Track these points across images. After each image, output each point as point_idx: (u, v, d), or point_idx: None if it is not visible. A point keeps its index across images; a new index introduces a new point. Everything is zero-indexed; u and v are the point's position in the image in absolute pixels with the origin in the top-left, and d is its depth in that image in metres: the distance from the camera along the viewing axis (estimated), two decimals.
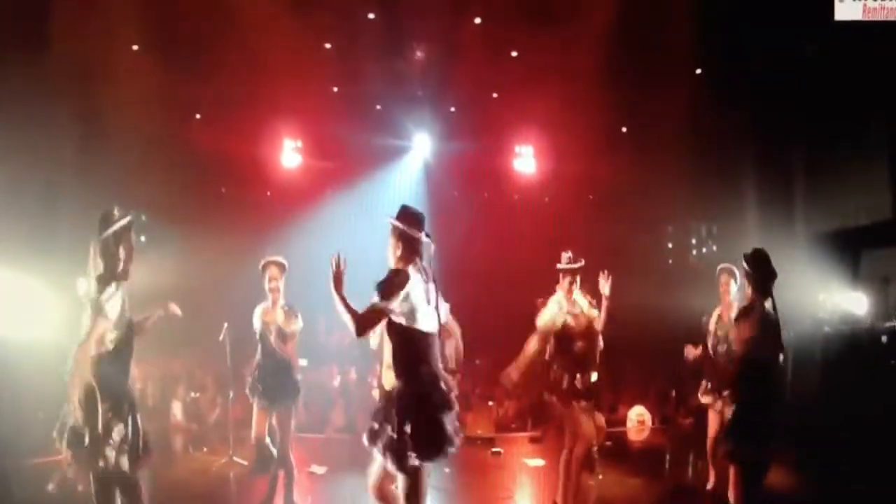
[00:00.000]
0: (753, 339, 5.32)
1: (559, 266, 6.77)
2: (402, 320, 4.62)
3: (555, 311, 6.63)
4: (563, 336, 6.64)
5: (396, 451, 4.47)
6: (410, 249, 4.75)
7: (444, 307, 4.89)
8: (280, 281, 7.00)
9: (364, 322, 4.54)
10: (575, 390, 6.57)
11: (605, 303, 6.86)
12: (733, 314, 6.74)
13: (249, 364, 7.28)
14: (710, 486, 7.55)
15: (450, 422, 4.62)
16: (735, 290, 7.27)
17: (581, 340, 6.66)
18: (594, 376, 8.30)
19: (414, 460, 4.46)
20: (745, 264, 5.58)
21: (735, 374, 5.59)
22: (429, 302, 4.69)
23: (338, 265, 4.60)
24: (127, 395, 5.00)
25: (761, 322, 5.35)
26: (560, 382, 6.59)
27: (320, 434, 11.14)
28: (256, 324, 7.05)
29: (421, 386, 4.61)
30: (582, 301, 6.77)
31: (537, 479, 8.73)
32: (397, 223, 4.78)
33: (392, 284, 4.57)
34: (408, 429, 4.48)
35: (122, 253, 4.90)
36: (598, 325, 6.88)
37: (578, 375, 6.59)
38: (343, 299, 4.56)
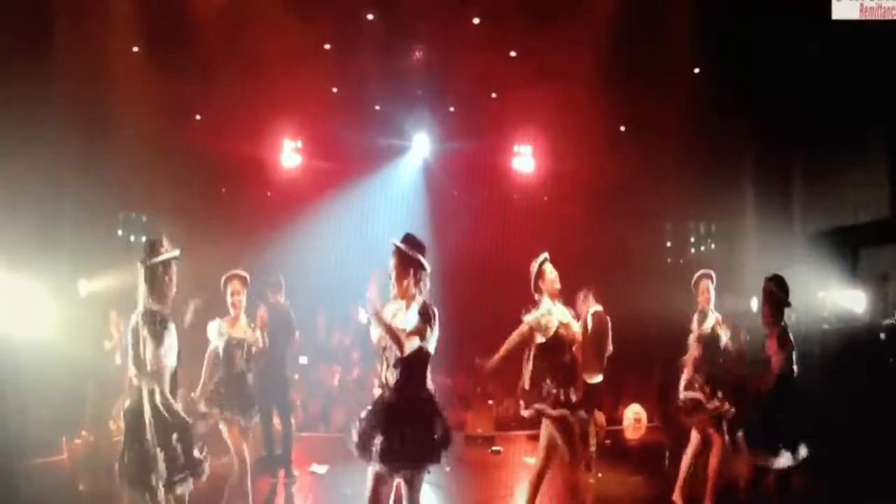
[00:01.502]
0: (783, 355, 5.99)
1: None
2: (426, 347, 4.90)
3: (547, 312, 6.37)
4: (554, 344, 6.35)
5: (394, 457, 4.72)
6: (420, 279, 5.02)
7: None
8: (242, 295, 6.89)
9: (408, 354, 4.81)
10: (567, 401, 6.32)
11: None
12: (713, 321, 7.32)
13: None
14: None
15: (441, 430, 4.86)
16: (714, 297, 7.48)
17: (569, 352, 6.41)
18: (598, 378, 8.35)
19: (410, 466, 4.76)
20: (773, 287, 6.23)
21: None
22: None
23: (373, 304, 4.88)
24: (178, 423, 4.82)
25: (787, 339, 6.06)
26: (542, 391, 6.36)
27: (321, 433, 11.19)
28: (216, 338, 6.87)
29: (421, 398, 4.93)
30: (566, 313, 6.54)
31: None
32: (414, 254, 4.99)
33: (432, 324, 4.88)
34: (405, 436, 4.73)
35: (168, 282, 4.87)
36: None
37: (565, 388, 6.32)
38: (388, 326, 4.81)
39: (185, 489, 4.82)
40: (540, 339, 6.35)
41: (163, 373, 4.71)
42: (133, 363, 4.70)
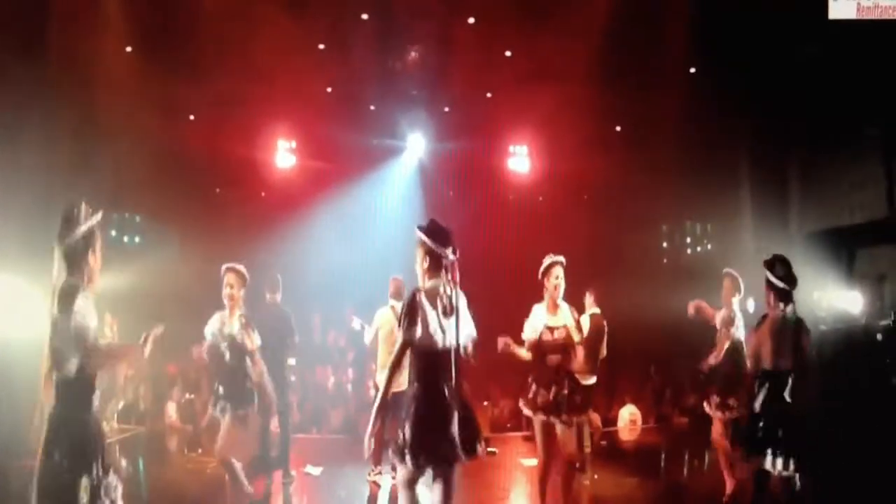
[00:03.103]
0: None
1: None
2: (423, 340, 4.70)
3: (532, 325, 6.34)
4: (536, 348, 6.30)
5: (396, 451, 4.63)
6: (435, 265, 4.88)
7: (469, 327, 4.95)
8: (237, 290, 6.74)
9: (398, 361, 4.72)
10: (541, 404, 6.25)
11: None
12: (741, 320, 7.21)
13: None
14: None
15: (454, 432, 4.65)
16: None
17: (553, 354, 6.29)
18: (592, 379, 8.33)
19: (409, 462, 4.59)
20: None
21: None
22: (447, 317, 4.77)
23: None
24: (91, 436, 3.99)
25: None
26: (527, 393, 6.35)
27: (315, 434, 11.14)
28: (209, 333, 6.75)
29: (429, 395, 4.71)
30: (567, 315, 6.41)
31: (532, 479, 8.70)
32: (425, 238, 4.88)
33: (409, 316, 4.69)
34: (409, 432, 4.61)
35: (90, 258, 4.16)
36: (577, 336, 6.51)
37: (547, 389, 6.23)
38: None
39: None
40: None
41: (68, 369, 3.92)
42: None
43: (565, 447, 6.32)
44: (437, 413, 4.66)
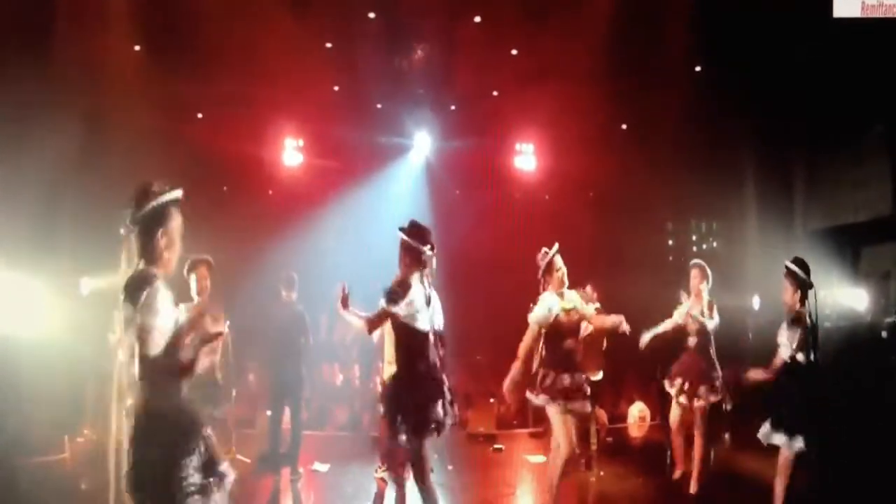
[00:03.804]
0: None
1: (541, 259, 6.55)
2: (405, 320, 5.40)
3: (548, 304, 6.36)
4: (553, 332, 6.38)
5: (389, 429, 5.47)
6: (414, 260, 5.50)
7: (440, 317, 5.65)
8: (209, 281, 6.83)
9: (372, 323, 5.49)
10: (560, 390, 6.27)
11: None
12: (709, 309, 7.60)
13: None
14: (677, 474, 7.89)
15: (440, 407, 5.39)
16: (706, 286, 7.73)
17: (570, 338, 6.46)
18: (599, 375, 8.39)
19: (406, 438, 5.36)
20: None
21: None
22: (428, 305, 5.47)
23: (343, 292, 5.55)
24: (188, 425, 3.70)
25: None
26: (544, 380, 6.34)
27: (322, 431, 11.18)
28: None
29: (416, 375, 5.46)
30: (575, 297, 6.58)
31: (539, 476, 8.76)
32: (403, 236, 5.54)
33: (396, 293, 5.36)
34: (400, 411, 5.39)
35: (161, 241, 3.76)
36: (597, 322, 6.79)
37: (566, 374, 6.30)
38: (351, 313, 5.58)
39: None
40: (543, 329, 6.40)
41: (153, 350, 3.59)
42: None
43: (579, 436, 6.47)
44: (423, 387, 5.41)
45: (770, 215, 12.77)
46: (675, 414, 7.95)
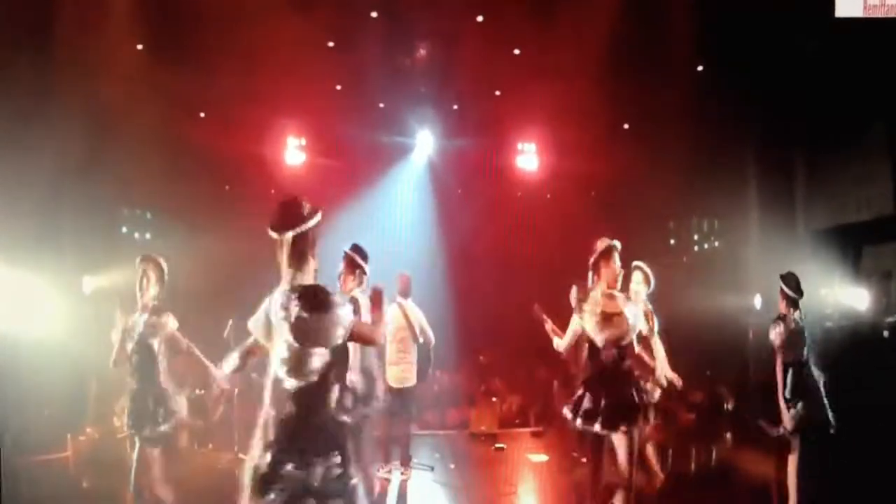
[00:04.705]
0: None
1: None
2: None
3: (593, 301, 5.73)
4: (583, 342, 5.84)
5: None
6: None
7: None
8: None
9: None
10: (578, 411, 5.74)
11: None
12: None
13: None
14: None
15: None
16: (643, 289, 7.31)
17: (612, 348, 5.75)
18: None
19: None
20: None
21: None
22: None
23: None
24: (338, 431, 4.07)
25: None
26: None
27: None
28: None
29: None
30: (623, 300, 5.94)
31: (540, 475, 8.79)
32: (350, 252, 6.70)
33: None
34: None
35: (312, 259, 4.02)
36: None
37: (591, 396, 5.72)
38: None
39: None
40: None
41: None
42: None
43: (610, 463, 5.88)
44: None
45: (772, 214, 12.75)
46: None
